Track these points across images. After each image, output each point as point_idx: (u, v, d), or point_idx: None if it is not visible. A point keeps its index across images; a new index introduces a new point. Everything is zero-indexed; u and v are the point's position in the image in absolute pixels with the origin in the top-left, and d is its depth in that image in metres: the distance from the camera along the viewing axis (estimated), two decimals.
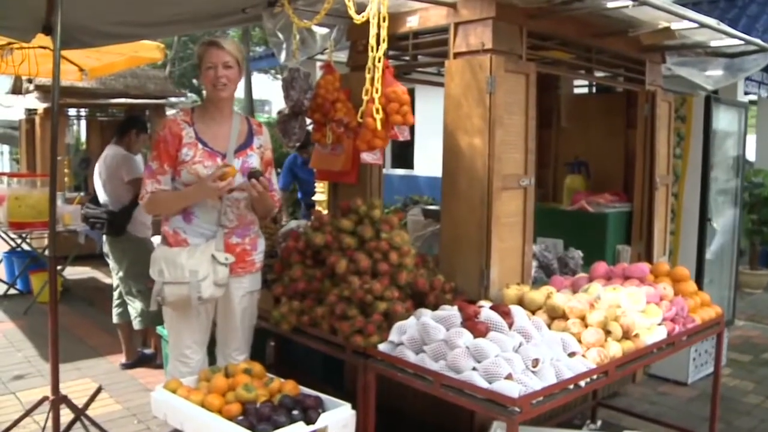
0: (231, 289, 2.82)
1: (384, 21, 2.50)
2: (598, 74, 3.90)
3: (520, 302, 2.90)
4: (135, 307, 4.56)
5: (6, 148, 19.37)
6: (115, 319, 4.72)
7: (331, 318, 2.71)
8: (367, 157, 2.61)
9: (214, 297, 2.74)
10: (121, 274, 4.57)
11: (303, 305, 2.88)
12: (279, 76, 20.61)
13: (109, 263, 4.68)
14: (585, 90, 5.25)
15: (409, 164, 11.60)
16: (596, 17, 3.34)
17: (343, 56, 3.83)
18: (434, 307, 2.81)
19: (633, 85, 4.08)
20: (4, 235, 6.81)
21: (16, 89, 9.02)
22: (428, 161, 10.38)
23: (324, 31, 3.74)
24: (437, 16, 3.22)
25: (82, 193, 8.97)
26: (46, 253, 7.20)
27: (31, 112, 8.81)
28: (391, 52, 3.60)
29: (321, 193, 5.53)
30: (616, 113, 4.55)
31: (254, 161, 2.80)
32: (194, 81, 22.97)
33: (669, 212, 4.42)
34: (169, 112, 9.30)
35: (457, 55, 3.14)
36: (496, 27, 3.01)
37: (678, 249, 4.72)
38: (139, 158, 4.84)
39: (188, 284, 2.66)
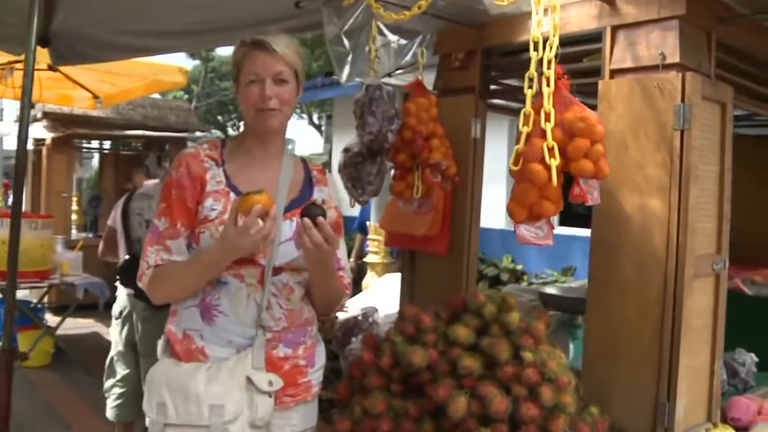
0: (272, 429, 1.76)
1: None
2: None
3: None
4: None
5: None
6: (109, 415, 3.43)
7: None
8: (526, 232, 1.49)
9: None
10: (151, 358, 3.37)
11: None
12: (304, 116, 19.68)
13: (114, 338, 3.49)
14: None
15: None
16: None
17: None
18: None
19: None
20: None
21: None
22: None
23: (402, 41, 2.76)
24: (583, 17, 2.20)
25: (90, 235, 8.06)
26: (46, 302, 6.22)
27: (38, 143, 7.91)
28: (493, 72, 2.61)
29: (374, 253, 4.18)
30: None
31: None
32: (219, 118, 22.16)
33: None
34: None
35: (616, 72, 2.10)
36: (683, 31, 1.99)
37: None
38: None
39: (207, 428, 1.61)
